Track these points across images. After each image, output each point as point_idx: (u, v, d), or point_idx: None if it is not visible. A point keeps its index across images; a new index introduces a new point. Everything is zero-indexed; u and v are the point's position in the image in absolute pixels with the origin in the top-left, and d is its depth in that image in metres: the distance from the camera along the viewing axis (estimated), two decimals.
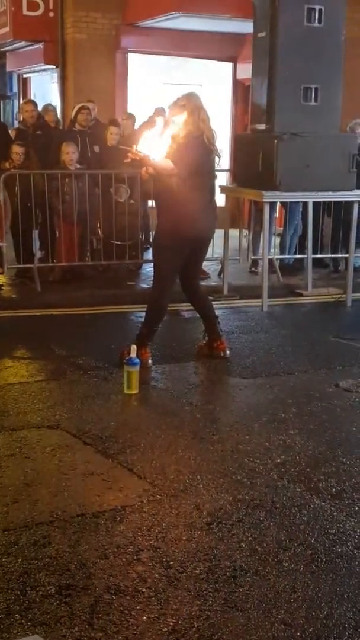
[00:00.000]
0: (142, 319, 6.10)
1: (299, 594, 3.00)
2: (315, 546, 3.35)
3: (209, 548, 3.30)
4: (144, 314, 6.15)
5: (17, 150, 8.55)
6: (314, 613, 2.87)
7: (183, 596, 2.95)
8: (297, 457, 4.27)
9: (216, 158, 5.79)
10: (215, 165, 5.88)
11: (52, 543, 3.30)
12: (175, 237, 5.67)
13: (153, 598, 2.93)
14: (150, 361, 5.82)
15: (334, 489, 3.89)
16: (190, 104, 5.61)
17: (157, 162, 5.55)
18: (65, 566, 3.12)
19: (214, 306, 6.40)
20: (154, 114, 9.68)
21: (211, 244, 9.09)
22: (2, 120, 10.06)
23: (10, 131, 9.80)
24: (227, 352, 6.13)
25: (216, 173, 6.12)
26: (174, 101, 5.72)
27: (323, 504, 3.73)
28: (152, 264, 6.39)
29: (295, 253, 9.65)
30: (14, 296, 8.15)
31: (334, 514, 3.63)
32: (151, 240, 8.27)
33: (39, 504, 3.63)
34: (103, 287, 8.49)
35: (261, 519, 3.57)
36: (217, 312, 6.31)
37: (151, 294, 6.09)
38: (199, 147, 5.56)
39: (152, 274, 6.13)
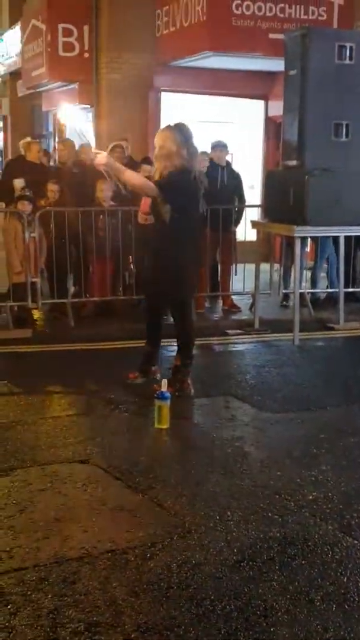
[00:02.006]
0: (175, 353, 6.14)
1: (330, 634, 2.95)
2: (347, 586, 3.30)
3: (240, 586, 3.27)
4: (175, 347, 6.19)
5: (52, 187, 8.72)
6: None
7: (213, 635, 2.92)
8: (330, 494, 4.23)
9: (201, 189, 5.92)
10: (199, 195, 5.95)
11: (82, 579, 3.29)
12: (193, 267, 5.96)
13: (182, 637, 2.91)
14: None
15: None
16: (176, 137, 5.72)
17: (134, 178, 5.88)
18: (94, 603, 3.12)
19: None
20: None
21: (242, 278, 9.23)
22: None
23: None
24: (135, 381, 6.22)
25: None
26: (160, 130, 5.92)
27: (356, 542, 3.68)
28: None
29: (327, 287, 9.66)
30: (47, 331, 8.23)
31: None
32: None
33: (69, 540, 3.64)
34: (135, 321, 8.52)
35: (293, 557, 3.53)
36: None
37: (184, 328, 6.08)
38: (186, 181, 5.68)
39: (178, 313, 6.09)
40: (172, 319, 6.19)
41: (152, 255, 6.24)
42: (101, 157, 5.78)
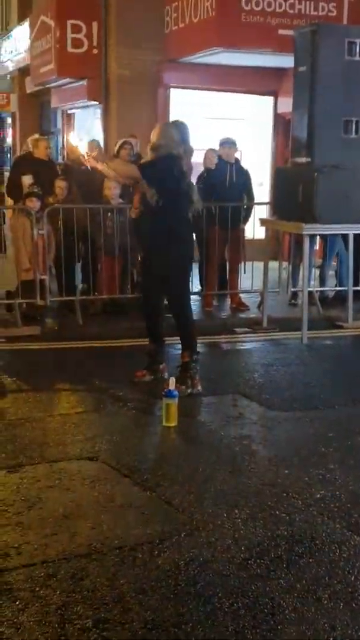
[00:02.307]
0: (181, 350, 6.13)
1: (338, 632, 2.95)
2: (355, 584, 3.30)
3: (247, 584, 3.27)
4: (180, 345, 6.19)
5: (60, 184, 8.73)
6: None
7: (221, 632, 2.93)
8: (337, 493, 4.22)
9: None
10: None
11: (90, 576, 3.31)
12: (191, 258, 6.13)
13: (190, 634, 2.91)
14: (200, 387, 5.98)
15: None
16: (173, 134, 5.83)
17: (120, 165, 6.28)
18: (102, 600, 3.13)
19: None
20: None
21: (251, 276, 9.22)
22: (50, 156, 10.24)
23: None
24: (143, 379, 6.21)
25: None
26: (158, 126, 6.03)
27: None
28: None
29: (336, 285, 9.65)
30: (56, 328, 8.25)
31: None
32: None
33: (78, 537, 3.65)
34: (143, 319, 8.53)
35: (300, 555, 3.53)
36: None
37: (184, 323, 6.10)
38: (169, 165, 5.76)
39: (175, 303, 6.15)
40: (171, 315, 6.21)
41: (145, 246, 6.33)
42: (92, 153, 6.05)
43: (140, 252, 8.58)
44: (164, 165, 5.78)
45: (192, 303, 6.38)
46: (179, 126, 5.92)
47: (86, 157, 6.41)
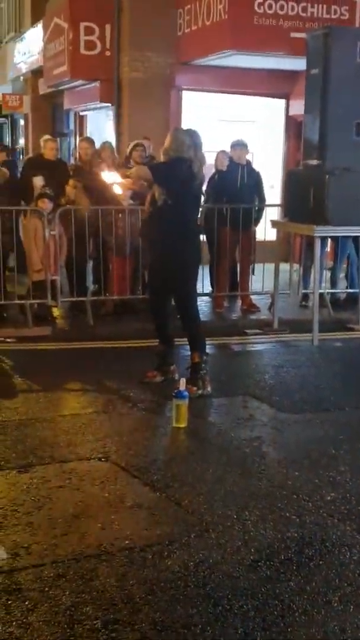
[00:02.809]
0: (190, 351, 6.12)
1: (348, 635, 2.94)
2: None
3: (257, 586, 3.27)
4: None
5: (70, 185, 8.75)
6: None
7: (230, 634, 2.93)
8: (348, 495, 4.21)
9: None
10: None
11: (100, 576, 3.31)
12: (198, 260, 6.15)
13: (199, 636, 2.91)
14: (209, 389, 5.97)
15: None
16: (185, 139, 5.92)
17: (136, 170, 6.30)
18: (112, 600, 3.13)
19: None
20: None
21: (262, 278, 9.21)
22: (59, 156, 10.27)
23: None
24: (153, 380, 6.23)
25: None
26: (171, 131, 6.15)
27: None
28: None
29: (347, 287, 9.62)
30: (67, 329, 8.26)
31: None
32: None
33: (87, 537, 3.65)
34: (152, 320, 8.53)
35: (310, 557, 3.52)
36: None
37: (189, 319, 6.11)
38: (179, 167, 5.80)
39: (181, 304, 6.16)
40: (179, 316, 6.22)
41: (152, 246, 6.41)
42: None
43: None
44: (174, 166, 5.81)
45: (203, 304, 6.38)
46: (192, 133, 6.01)
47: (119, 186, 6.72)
